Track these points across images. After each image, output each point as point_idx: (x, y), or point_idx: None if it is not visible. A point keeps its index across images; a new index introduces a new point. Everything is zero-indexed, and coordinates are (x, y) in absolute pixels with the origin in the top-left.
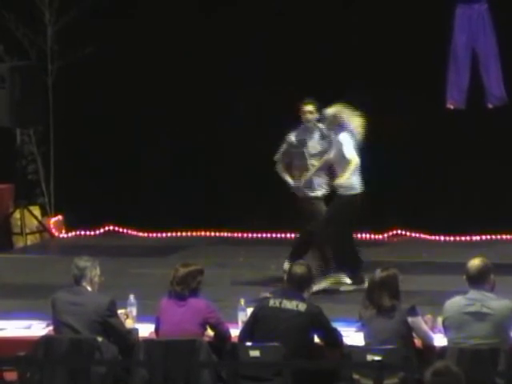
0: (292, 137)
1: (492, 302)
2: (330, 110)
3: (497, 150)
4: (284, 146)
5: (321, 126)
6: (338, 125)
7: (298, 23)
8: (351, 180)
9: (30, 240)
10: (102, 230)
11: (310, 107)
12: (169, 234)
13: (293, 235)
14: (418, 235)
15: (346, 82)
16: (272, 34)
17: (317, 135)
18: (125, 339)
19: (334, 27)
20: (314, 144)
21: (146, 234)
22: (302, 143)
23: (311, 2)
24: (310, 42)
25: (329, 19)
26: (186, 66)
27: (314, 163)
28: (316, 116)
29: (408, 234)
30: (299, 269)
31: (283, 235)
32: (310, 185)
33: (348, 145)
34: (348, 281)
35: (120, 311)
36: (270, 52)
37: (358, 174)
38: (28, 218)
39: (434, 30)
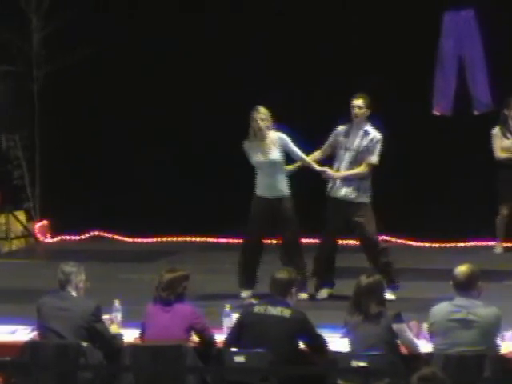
0: (340, 129)
1: (478, 309)
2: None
3: (483, 157)
4: (331, 137)
5: (370, 126)
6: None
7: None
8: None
9: (16, 245)
10: (87, 235)
11: (359, 102)
12: (155, 240)
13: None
14: (403, 242)
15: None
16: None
17: (361, 132)
18: (110, 344)
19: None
20: (355, 138)
21: (132, 240)
22: (346, 134)
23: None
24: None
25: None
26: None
27: (345, 157)
28: (365, 112)
29: (394, 240)
30: (281, 274)
31: (270, 241)
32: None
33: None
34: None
35: (105, 317)
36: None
37: None
38: (13, 223)
39: (421, 36)
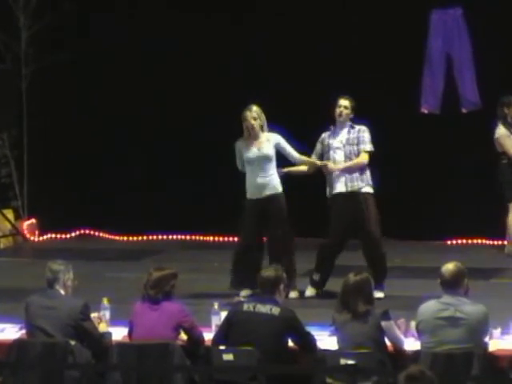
0: (324, 135)
1: (466, 307)
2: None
3: (470, 155)
4: (317, 146)
5: (354, 126)
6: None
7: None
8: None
9: (4, 243)
10: (75, 234)
11: (346, 102)
12: (143, 238)
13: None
14: (391, 240)
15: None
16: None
17: (345, 129)
18: (98, 343)
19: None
20: (342, 137)
21: (120, 238)
22: (332, 136)
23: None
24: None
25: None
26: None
27: (336, 156)
28: (349, 113)
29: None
30: (268, 272)
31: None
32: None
33: None
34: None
35: (93, 315)
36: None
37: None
38: (1, 221)
39: (409, 34)
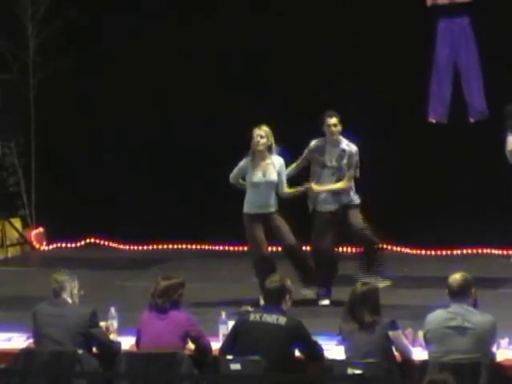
0: (313, 144)
1: (473, 317)
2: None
3: (477, 164)
4: (305, 153)
5: (345, 141)
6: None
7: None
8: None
9: (11, 252)
10: (83, 243)
11: (334, 120)
12: (150, 247)
13: (277, 248)
14: (399, 249)
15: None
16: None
17: (337, 150)
18: (108, 348)
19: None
20: (331, 157)
21: (127, 247)
22: (321, 151)
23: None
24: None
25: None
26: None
27: (323, 174)
28: (339, 129)
29: (389, 247)
30: (273, 282)
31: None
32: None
33: None
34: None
35: (101, 324)
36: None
37: None
38: (9, 230)
39: (416, 43)
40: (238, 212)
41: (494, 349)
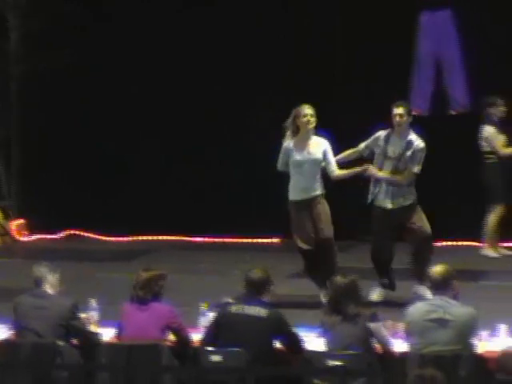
0: (380, 134)
1: (454, 309)
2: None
3: (457, 157)
4: (370, 140)
5: (413, 135)
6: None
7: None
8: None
9: None
10: (64, 234)
11: (400, 110)
12: (132, 239)
13: (257, 240)
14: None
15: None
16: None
17: (403, 142)
18: (88, 340)
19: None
20: (396, 147)
21: (108, 238)
22: (386, 141)
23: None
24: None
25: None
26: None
27: (387, 166)
28: (406, 120)
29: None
30: (255, 274)
31: (247, 240)
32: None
33: None
34: None
35: (82, 315)
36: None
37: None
38: None
39: (398, 36)
40: (219, 203)
41: (475, 341)
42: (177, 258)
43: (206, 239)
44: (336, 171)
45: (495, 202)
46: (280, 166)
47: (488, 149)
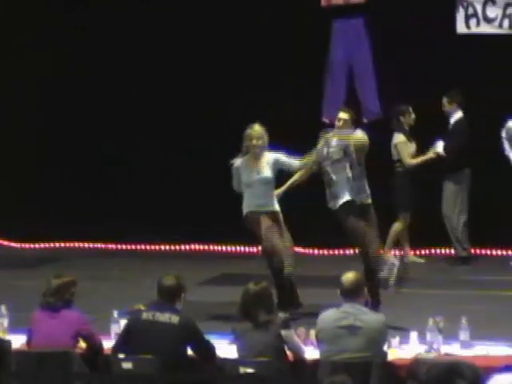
0: (326, 133)
1: (365, 316)
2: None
3: (371, 165)
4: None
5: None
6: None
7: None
8: None
9: None
10: None
11: (341, 115)
12: (42, 246)
13: (169, 247)
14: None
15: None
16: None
17: (340, 144)
18: None
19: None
20: (334, 149)
21: (18, 245)
22: (327, 143)
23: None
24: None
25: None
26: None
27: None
28: (342, 125)
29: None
30: (167, 280)
31: (159, 247)
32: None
33: None
34: None
35: None
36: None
37: None
38: None
39: (311, 44)
40: (130, 211)
41: (385, 348)
42: (87, 265)
43: (118, 246)
44: (297, 162)
45: (402, 210)
46: (235, 186)
47: (398, 157)
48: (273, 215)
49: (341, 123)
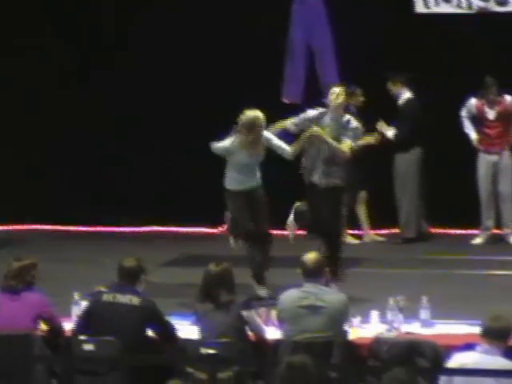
0: (312, 112)
1: (326, 296)
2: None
3: None
4: (300, 117)
5: (347, 116)
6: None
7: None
8: None
9: None
10: None
11: (336, 89)
12: (3, 228)
13: (128, 229)
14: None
15: None
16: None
17: (335, 121)
18: None
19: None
20: (329, 126)
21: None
22: (318, 121)
23: None
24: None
25: None
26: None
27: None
28: (341, 101)
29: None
30: (128, 262)
31: (118, 229)
32: None
33: None
34: None
35: None
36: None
37: None
38: None
39: (271, 25)
40: (92, 193)
41: (347, 327)
42: (48, 247)
43: (79, 228)
44: (288, 148)
45: (356, 191)
46: (217, 149)
47: None
48: (252, 192)
49: (340, 99)
